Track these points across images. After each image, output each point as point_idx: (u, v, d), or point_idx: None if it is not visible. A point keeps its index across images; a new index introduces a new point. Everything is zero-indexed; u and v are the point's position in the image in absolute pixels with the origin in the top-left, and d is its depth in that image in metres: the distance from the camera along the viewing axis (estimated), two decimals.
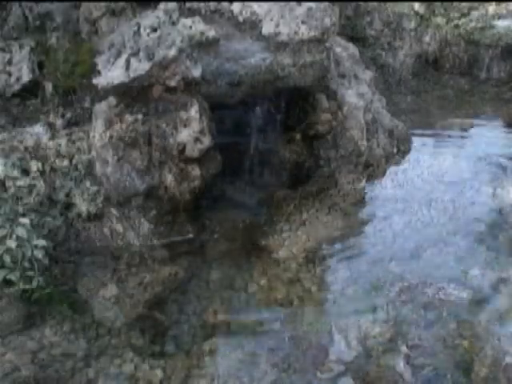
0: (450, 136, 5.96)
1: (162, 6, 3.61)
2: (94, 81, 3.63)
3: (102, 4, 3.91)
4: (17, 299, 3.38)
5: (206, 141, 3.78)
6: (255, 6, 4.62)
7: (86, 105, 4.02)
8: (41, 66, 4.05)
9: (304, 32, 4.33)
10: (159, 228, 4.06)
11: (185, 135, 3.73)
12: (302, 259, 3.91)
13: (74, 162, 3.95)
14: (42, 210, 3.67)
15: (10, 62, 3.96)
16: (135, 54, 3.51)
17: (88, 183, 3.92)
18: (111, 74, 3.53)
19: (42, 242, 3.47)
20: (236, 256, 3.97)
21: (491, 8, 8.04)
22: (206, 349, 3.18)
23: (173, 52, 3.48)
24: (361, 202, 4.72)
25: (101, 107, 3.80)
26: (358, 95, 4.91)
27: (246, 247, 4.07)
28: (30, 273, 3.43)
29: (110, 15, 3.94)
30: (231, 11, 4.83)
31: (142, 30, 3.51)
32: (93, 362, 3.10)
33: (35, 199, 3.64)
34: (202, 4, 4.94)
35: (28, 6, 4.09)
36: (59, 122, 4.03)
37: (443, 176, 5.01)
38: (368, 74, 5.49)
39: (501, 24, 7.70)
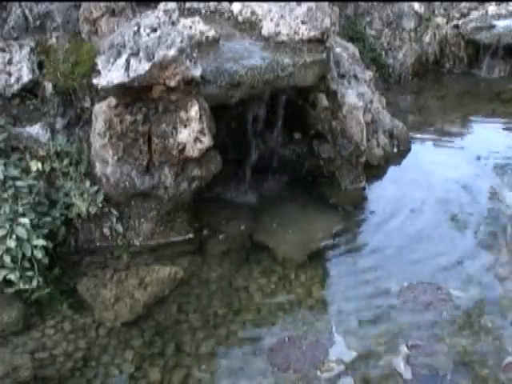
0: (449, 136, 5.96)
1: (161, 6, 3.61)
2: (94, 81, 3.63)
3: (102, 4, 3.91)
4: (17, 299, 3.38)
5: (206, 141, 3.78)
6: (255, 6, 4.62)
7: (86, 105, 4.02)
8: (41, 66, 4.04)
9: (304, 32, 4.33)
10: (159, 228, 4.06)
11: (185, 135, 3.73)
12: (301, 259, 3.90)
13: (73, 161, 3.95)
14: (41, 210, 3.67)
15: (10, 62, 3.96)
16: (135, 54, 3.51)
17: (88, 183, 3.92)
18: (111, 74, 3.53)
19: (41, 242, 3.47)
20: (236, 256, 3.97)
21: (491, 8, 8.04)
22: (205, 349, 3.19)
23: (173, 52, 3.47)
24: (361, 202, 4.72)
25: (101, 107, 3.80)
26: (357, 95, 4.91)
27: (245, 247, 4.07)
28: (30, 273, 3.43)
29: (110, 15, 3.94)
30: (231, 11, 4.83)
31: (142, 30, 3.51)
32: (93, 362, 3.10)
33: (35, 199, 3.63)
34: (201, 4, 4.94)
35: (28, 6, 4.08)
36: (59, 122, 4.03)
37: (443, 176, 5.01)
38: (368, 74, 5.49)
39: (501, 24, 7.70)
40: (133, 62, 3.50)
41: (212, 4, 4.92)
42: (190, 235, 4.13)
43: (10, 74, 3.96)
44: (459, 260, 3.87)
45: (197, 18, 4.35)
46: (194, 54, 3.65)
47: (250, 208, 4.50)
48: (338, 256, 3.99)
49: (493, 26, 7.70)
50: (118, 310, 3.42)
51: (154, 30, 3.51)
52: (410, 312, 3.41)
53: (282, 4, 4.45)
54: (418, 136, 5.87)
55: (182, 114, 3.72)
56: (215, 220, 4.29)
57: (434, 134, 6.02)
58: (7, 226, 3.41)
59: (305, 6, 4.36)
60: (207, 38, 4.27)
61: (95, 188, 3.92)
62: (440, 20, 7.94)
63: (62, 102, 4.03)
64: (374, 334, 3.24)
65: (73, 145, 3.99)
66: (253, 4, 4.64)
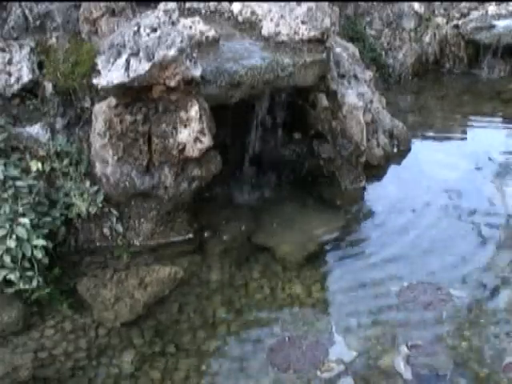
0: (449, 136, 5.96)
1: (161, 6, 3.61)
2: (94, 81, 3.63)
3: (102, 4, 3.91)
4: (17, 299, 3.38)
5: (206, 141, 3.78)
6: (255, 6, 4.62)
7: (86, 105, 4.02)
8: (41, 66, 4.04)
9: (304, 32, 4.33)
10: (159, 228, 4.06)
11: (185, 135, 3.73)
12: (301, 259, 3.90)
13: (73, 161, 3.95)
14: (41, 210, 3.67)
15: (10, 62, 3.96)
16: (135, 54, 3.50)
17: (88, 183, 3.92)
18: (111, 74, 3.53)
19: (41, 242, 3.47)
20: (236, 256, 3.97)
21: (491, 8, 8.04)
22: (205, 349, 3.19)
23: (173, 52, 3.47)
24: (361, 201, 4.72)
25: (101, 107, 3.80)
26: (357, 95, 4.91)
27: (245, 247, 4.07)
28: (30, 273, 3.43)
29: (110, 15, 3.94)
30: (231, 11, 4.83)
31: (142, 30, 3.51)
32: (93, 361, 3.10)
33: (35, 199, 3.63)
34: (201, 4, 4.94)
35: (28, 6, 4.08)
36: (59, 122, 4.03)
37: (443, 176, 5.01)
38: (368, 74, 5.48)
39: (501, 24, 7.70)
40: (133, 61, 3.50)
41: (212, 4, 4.92)
42: (190, 235, 4.13)
43: (10, 74, 3.96)
44: (459, 260, 3.87)
45: (197, 18, 4.35)
46: (194, 54, 3.65)
47: (250, 208, 4.50)
48: (338, 256, 3.99)
49: (493, 26, 7.69)
50: (118, 310, 3.42)
51: (154, 30, 3.51)
52: (410, 312, 3.41)
53: (282, 4, 4.44)
54: (418, 136, 5.87)
55: (182, 114, 3.72)
56: (215, 220, 4.29)
57: (434, 133, 6.01)
58: (7, 225, 3.41)
59: (305, 6, 4.36)
60: (207, 38, 4.26)
61: (95, 188, 3.91)
62: (440, 20, 7.93)
63: (62, 102, 4.03)
64: (374, 334, 3.24)
65: (73, 145, 3.99)
66: (253, 4, 4.64)
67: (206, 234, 4.15)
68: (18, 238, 3.40)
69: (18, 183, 3.61)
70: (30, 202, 3.58)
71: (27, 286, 3.40)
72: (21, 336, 3.24)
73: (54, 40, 4.10)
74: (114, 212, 3.99)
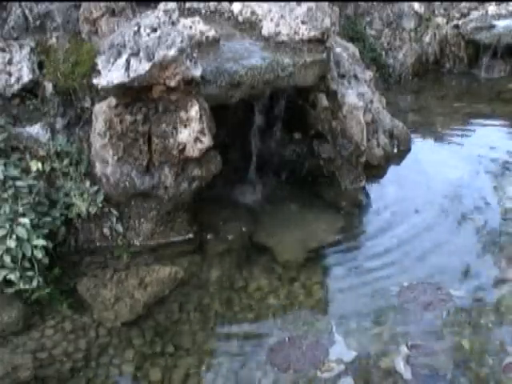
0: (449, 136, 5.96)
1: (161, 6, 3.61)
2: (94, 81, 3.63)
3: (102, 4, 3.91)
4: (17, 299, 3.38)
5: (206, 141, 3.78)
6: (255, 6, 4.62)
7: (86, 105, 4.02)
8: (41, 66, 4.04)
9: (304, 32, 4.33)
10: (159, 228, 4.06)
11: (185, 135, 3.73)
12: (302, 259, 3.91)
13: (73, 161, 3.95)
14: (41, 210, 3.67)
15: (10, 62, 3.96)
16: (135, 54, 3.51)
17: (88, 183, 3.92)
18: (111, 74, 3.53)
19: (41, 242, 3.47)
20: (236, 256, 3.97)
21: (491, 8, 8.05)
22: (205, 349, 3.19)
23: (173, 52, 3.47)
24: (361, 202, 4.72)
25: (101, 107, 3.80)
26: (357, 95, 4.91)
27: (245, 247, 4.07)
28: (30, 273, 3.43)
29: (110, 15, 3.94)
30: (231, 11, 4.83)
31: (142, 30, 3.51)
32: (93, 362, 3.10)
33: (35, 199, 3.63)
34: (201, 4, 4.94)
35: (28, 6, 4.08)
36: (59, 122, 4.03)
37: (443, 176, 5.01)
38: (368, 74, 5.49)
39: (501, 24, 7.71)
40: (133, 61, 3.50)
41: (212, 4, 4.92)
42: (190, 235, 4.13)
43: (10, 74, 3.96)
44: (460, 260, 3.86)
45: (197, 18, 4.35)
46: (194, 54, 3.65)
47: (250, 208, 4.50)
48: (338, 256, 3.99)
49: (493, 26, 7.70)
50: (118, 309, 3.42)
51: (154, 30, 3.51)
52: (409, 312, 3.41)
53: (282, 4, 4.45)
54: (418, 136, 5.87)
55: (182, 114, 3.72)
56: (215, 220, 4.29)
57: (433, 133, 6.01)
58: (7, 225, 3.41)
59: (305, 6, 4.36)
60: (207, 38, 4.27)
61: (95, 188, 3.92)
62: (440, 20, 7.94)
63: (62, 102, 4.03)
64: (374, 334, 3.24)
65: (73, 145, 3.99)
66: (253, 4, 4.64)
67: (208, 237, 4.14)
68: (18, 238, 3.40)
69: (18, 183, 3.62)
70: (30, 201, 3.58)
71: (27, 286, 3.40)
72: (21, 336, 3.24)
73: (54, 40, 4.10)
74: (114, 212, 3.99)
